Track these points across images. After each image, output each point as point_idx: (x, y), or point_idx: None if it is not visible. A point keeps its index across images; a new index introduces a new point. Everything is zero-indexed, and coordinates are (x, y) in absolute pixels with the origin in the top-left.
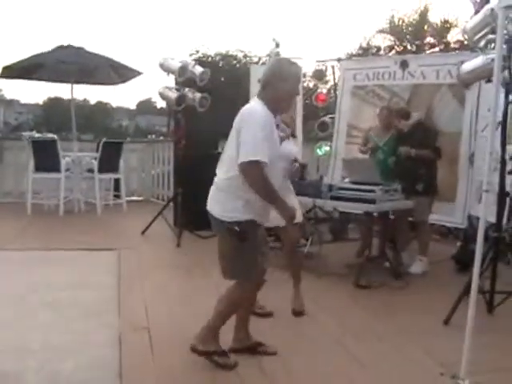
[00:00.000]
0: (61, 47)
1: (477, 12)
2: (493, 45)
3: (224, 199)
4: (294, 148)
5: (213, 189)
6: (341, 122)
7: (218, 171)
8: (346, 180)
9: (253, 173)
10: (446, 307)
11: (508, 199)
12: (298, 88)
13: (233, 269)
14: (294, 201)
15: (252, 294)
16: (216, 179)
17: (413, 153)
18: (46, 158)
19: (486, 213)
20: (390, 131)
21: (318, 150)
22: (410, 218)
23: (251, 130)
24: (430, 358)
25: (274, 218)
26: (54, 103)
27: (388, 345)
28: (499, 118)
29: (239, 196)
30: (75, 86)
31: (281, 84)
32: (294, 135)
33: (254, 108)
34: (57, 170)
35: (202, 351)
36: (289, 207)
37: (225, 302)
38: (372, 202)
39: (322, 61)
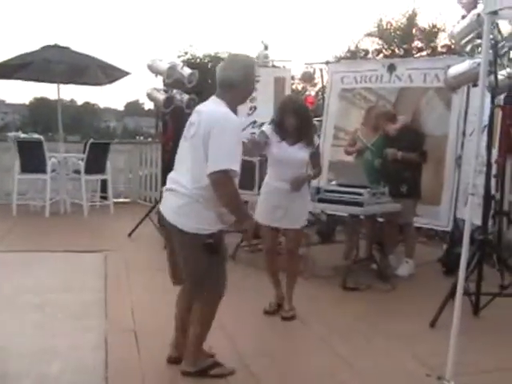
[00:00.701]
0: (47, 47)
1: (464, 16)
2: (479, 49)
3: (197, 210)
4: (305, 154)
5: (176, 200)
6: (328, 125)
7: (179, 178)
8: (333, 182)
9: (223, 183)
10: (432, 309)
11: (493, 202)
12: None
13: (206, 284)
14: (307, 205)
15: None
16: (178, 188)
17: (399, 155)
18: (31, 158)
19: (472, 215)
20: (378, 132)
21: None
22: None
23: (226, 137)
24: (417, 359)
25: (282, 219)
26: (41, 103)
27: (375, 346)
28: (485, 121)
29: (214, 206)
30: (62, 86)
31: (251, 84)
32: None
33: (227, 112)
34: (43, 170)
35: (195, 372)
36: (252, 221)
37: (200, 323)
38: (360, 204)
39: (311, 63)
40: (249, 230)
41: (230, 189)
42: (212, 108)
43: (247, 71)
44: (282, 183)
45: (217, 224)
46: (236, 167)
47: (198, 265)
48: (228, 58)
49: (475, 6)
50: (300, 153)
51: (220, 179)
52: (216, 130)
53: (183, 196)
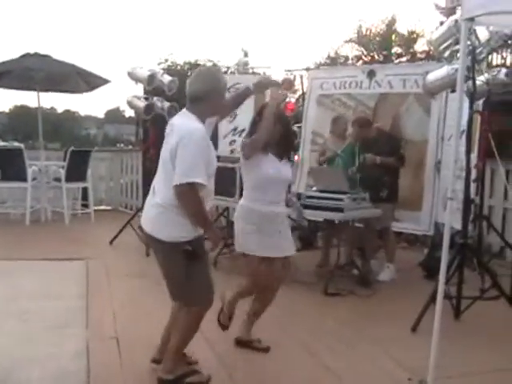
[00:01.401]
0: (27, 55)
1: (443, 22)
2: (458, 55)
3: (173, 219)
4: (289, 171)
5: (155, 211)
6: (307, 131)
7: (156, 187)
8: (313, 189)
9: (188, 195)
10: (413, 314)
11: (473, 206)
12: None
13: (189, 295)
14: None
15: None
16: (155, 197)
17: (378, 160)
18: (12, 166)
19: (452, 220)
20: (346, 139)
21: None
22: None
23: (190, 150)
24: (398, 363)
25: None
26: (21, 111)
27: (357, 351)
28: (463, 126)
29: None
30: (42, 94)
31: (219, 97)
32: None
33: (193, 126)
34: (23, 179)
35: (172, 380)
36: (218, 233)
37: (181, 332)
38: (340, 210)
39: (291, 70)
40: (213, 241)
41: (193, 201)
42: (181, 121)
43: (214, 84)
44: (278, 206)
45: (194, 231)
46: (201, 180)
47: (179, 274)
48: (195, 72)
49: (454, 12)
50: (289, 169)
51: (184, 192)
52: (182, 143)
53: (158, 206)
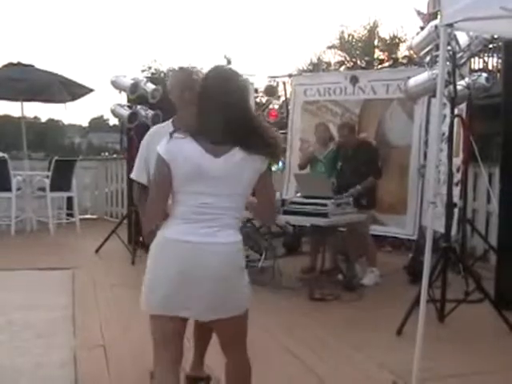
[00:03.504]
0: (10, 65)
1: (423, 28)
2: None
3: None
4: None
5: None
6: (293, 137)
7: None
8: (298, 194)
9: (134, 190)
10: (398, 317)
11: (457, 210)
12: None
13: None
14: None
15: None
16: None
17: (358, 190)
18: None
19: (437, 224)
20: (328, 146)
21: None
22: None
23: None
24: (384, 367)
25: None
26: (4, 121)
27: (342, 356)
28: (444, 131)
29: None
30: (25, 103)
31: (176, 92)
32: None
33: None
34: (8, 189)
35: None
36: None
37: None
38: (324, 215)
39: (274, 77)
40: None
41: (136, 196)
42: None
43: (170, 82)
44: None
45: None
46: (134, 176)
47: None
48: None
49: (435, 18)
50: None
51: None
52: None
53: None
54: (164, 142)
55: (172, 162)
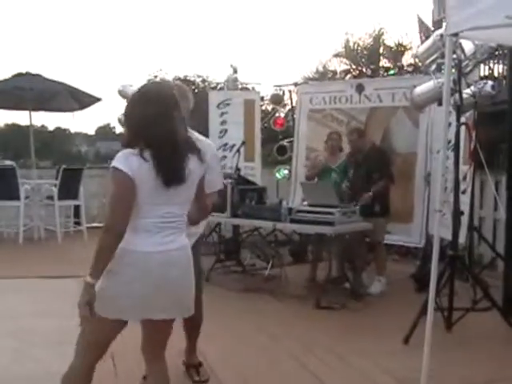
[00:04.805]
0: (19, 75)
1: (428, 37)
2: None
3: None
4: None
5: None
6: (299, 146)
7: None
8: (304, 203)
9: None
10: (405, 326)
11: (466, 218)
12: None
13: None
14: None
15: None
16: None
17: (370, 195)
18: (4, 185)
19: (445, 231)
20: (339, 154)
21: (277, 174)
22: (367, 239)
23: None
24: (391, 376)
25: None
26: (12, 130)
27: (350, 365)
28: (449, 138)
29: None
30: (33, 112)
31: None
32: None
33: None
34: (16, 197)
35: None
36: None
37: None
38: (331, 224)
39: (280, 85)
40: None
41: None
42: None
43: None
44: None
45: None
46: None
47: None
48: None
49: (440, 26)
50: None
51: None
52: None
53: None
54: (123, 159)
55: (136, 177)
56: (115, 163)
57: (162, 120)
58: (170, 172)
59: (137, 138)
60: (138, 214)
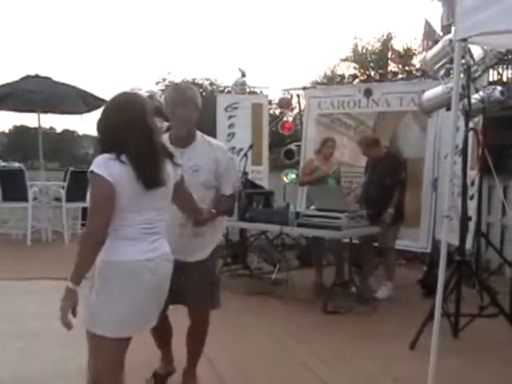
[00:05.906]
0: (28, 77)
1: (437, 41)
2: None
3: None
4: None
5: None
6: (307, 150)
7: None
8: (312, 207)
9: None
10: (412, 331)
11: (472, 224)
12: None
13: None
14: None
15: None
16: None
17: (393, 211)
18: (13, 187)
19: (452, 237)
20: (331, 160)
21: (284, 178)
22: (375, 244)
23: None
24: (397, 381)
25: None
26: (20, 131)
27: (356, 370)
28: (458, 144)
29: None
30: (42, 115)
31: None
32: None
33: None
34: (24, 199)
35: None
36: None
37: (203, 337)
38: (338, 228)
39: (288, 89)
40: None
41: None
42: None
43: (164, 98)
44: None
45: None
46: None
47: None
48: None
49: (449, 31)
50: None
51: None
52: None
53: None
54: (102, 163)
55: (117, 183)
56: (94, 168)
57: (136, 124)
58: (150, 174)
59: (113, 143)
60: (121, 222)
